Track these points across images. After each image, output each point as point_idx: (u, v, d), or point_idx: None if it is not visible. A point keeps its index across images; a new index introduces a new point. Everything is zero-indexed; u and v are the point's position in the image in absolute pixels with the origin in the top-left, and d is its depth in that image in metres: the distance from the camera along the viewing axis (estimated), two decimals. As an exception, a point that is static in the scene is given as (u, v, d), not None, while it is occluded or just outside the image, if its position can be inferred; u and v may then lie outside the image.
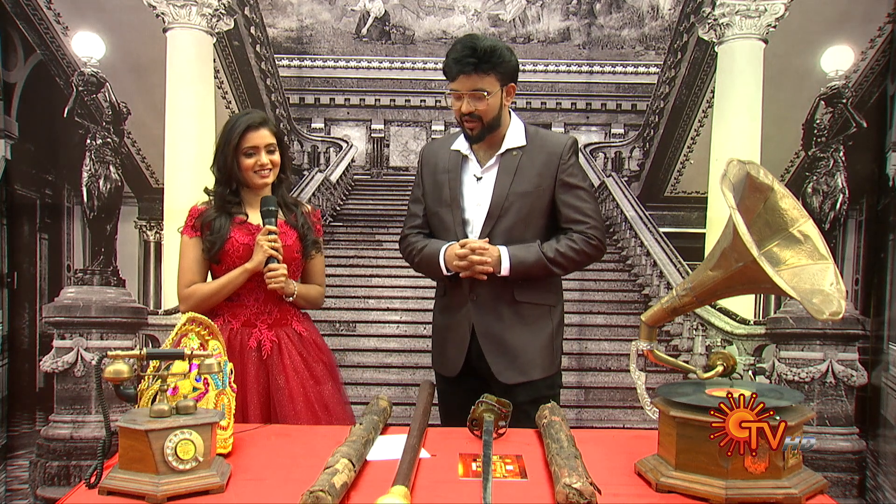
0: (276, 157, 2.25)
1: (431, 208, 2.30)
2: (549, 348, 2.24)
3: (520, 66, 2.23)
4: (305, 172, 3.55)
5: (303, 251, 2.30)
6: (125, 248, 3.49)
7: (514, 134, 2.22)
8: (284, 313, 2.28)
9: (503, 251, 2.13)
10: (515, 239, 2.18)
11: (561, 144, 2.21)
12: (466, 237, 2.21)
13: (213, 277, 2.27)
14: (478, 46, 2.10)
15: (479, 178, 2.23)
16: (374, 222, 3.56)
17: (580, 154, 2.32)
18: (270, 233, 2.18)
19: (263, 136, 2.22)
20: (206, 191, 2.31)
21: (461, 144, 2.26)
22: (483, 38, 2.16)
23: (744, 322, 3.44)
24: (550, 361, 2.25)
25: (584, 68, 3.47)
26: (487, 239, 2.15)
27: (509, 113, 2.24)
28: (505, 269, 2.14)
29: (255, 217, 2.26)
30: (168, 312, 3.45)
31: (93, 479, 1.46)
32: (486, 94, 2.10)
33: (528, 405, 1.93)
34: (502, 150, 2.21)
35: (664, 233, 3.55)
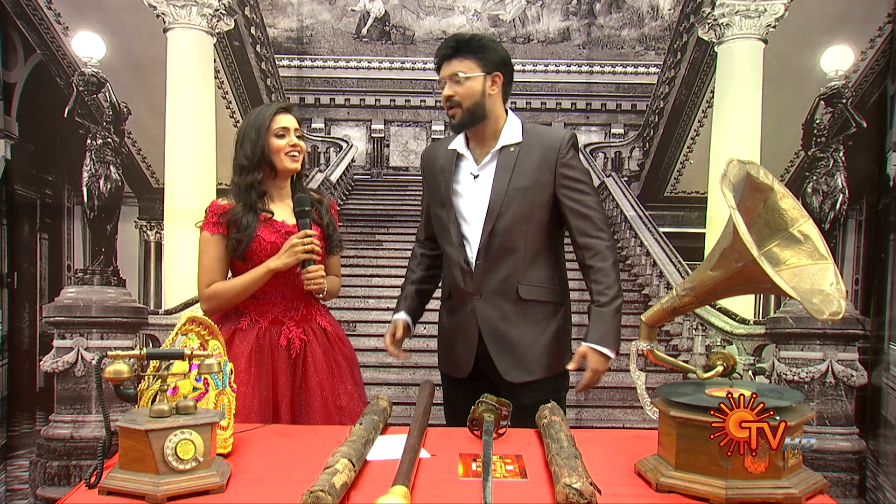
0: (303, 144, 2.26)
1: (432, 209, 2.31)
2: (555, 347, 2.23)
3: (512, 60, 2.23)
4: (306, 172, 3.55)
5: (326, 247, 2.29)
6: (125, 248, 3.49)
7: (511, 131, 2.22)
8: (310, 309, 2.28)
9: (602, 351, 2.12)
10: (517, 236, 2.17)
11: (559, 138, 2.20)
12: (463, 235, 2.21)
13: (235, 274, 2.24)
14: (459, 35, 2.19)
15: (476, 176, 2.22)
16: (375, 222, 3.56)
17: (580, 151, 2.31)
18: (307, 236, 2.16)
19: (293, 121, 2.24)
20: (233, 183, 2.25)
21: (458, 143, 2.26)
22: (469, 32, 2.21)
23: (744, 322, 3.44)
24: (558, 360, 2.23)
25: (584, 68, 3.47)
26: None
27: (506, 111, 2.24)
28: (613, 355, 2.13)
29: (279, 213, 2.24)
30: (168, 312, 3.45)
31: (93, 479, 1.46)
32: (460, 75, 2.13)
33: (534, 407, 1.93)
34: (498, 146, 2.20)
35: (664, 233, 3.55)
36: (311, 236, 2.17)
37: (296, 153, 2.23)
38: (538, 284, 2.22)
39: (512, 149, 2.19)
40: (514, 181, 2.17)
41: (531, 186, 2.17)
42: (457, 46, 2.15)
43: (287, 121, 2.22)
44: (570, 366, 2.12)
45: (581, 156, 2.30)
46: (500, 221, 2.16)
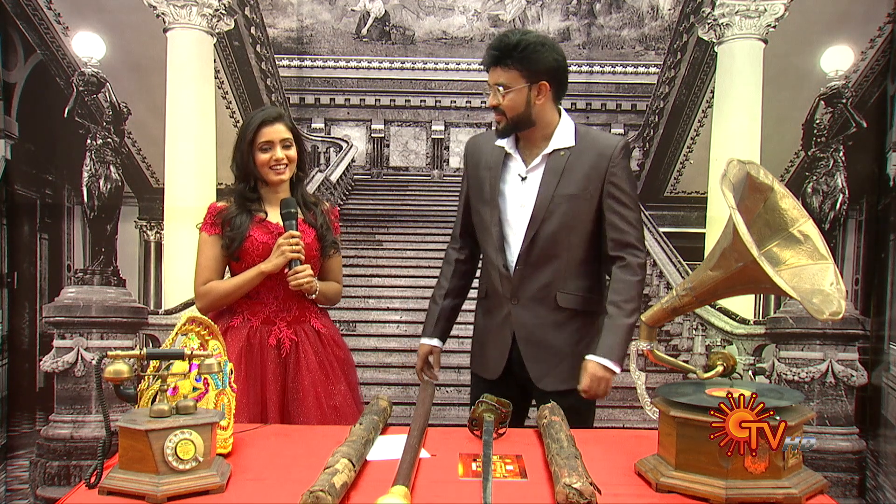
0: (293, 152, 2.25)
1: (474, 205, 2.25)
2: None
3: (564, 64, 2.11)
4: (303, 174, 3.55)
5: (321, 250, 2.30)
6: (125, 248, 3.49)
7: (563, 134, 2.14)
8: (303, 310, 2.29)
9: (602, 365, 2.04)
10: (559, 243, 2.11)
11: (612, 146, 2.11)
12: (504, 237, 2.16)
13: (232, 274, 2.28)
14: (505, 40, 2.06)
15: (523, 178, 2.15)
16: (375, 222, 3.56)
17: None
18: (293, 237, 2.18)
19: (279, 131, 2.21)
20: (228, 189, 2.33)
21: (506, 141, 2.18)
22: (522, 32, 2.09)
23: (744, 322, 3.44)
24: None
25: (584, 68, 3.47)
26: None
27: (559, 112, 2.16)
28: (617, 370, 2.06)
29: (273, 215, 2.26)
30: (168, 312, 3.45)
31: (93, 479, 1.46)
32: (502, 88, 2.05)
33: (566, 412, 1.87)
34: (549, 149, 2.12)
35: (664, 233, 3.55)
36: (296, 237, 2.18)
37: (280, 167, 2.22)
38: (577, 293, 2.16)
39: (562, 153, 2.11)
40: (562, 187, 2.10)
41: (578, 194, 2.10)
42: (499, 55, 2.04)
43: (271, 133, 2.20)
44: (581, 385, 2.05)
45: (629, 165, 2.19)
46: (543, 228, 2.11)
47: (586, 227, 2.13)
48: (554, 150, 2.13)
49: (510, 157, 2.18)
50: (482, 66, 2.14)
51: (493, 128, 2.16)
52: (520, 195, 2.15)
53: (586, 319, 2.18)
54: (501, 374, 2.22)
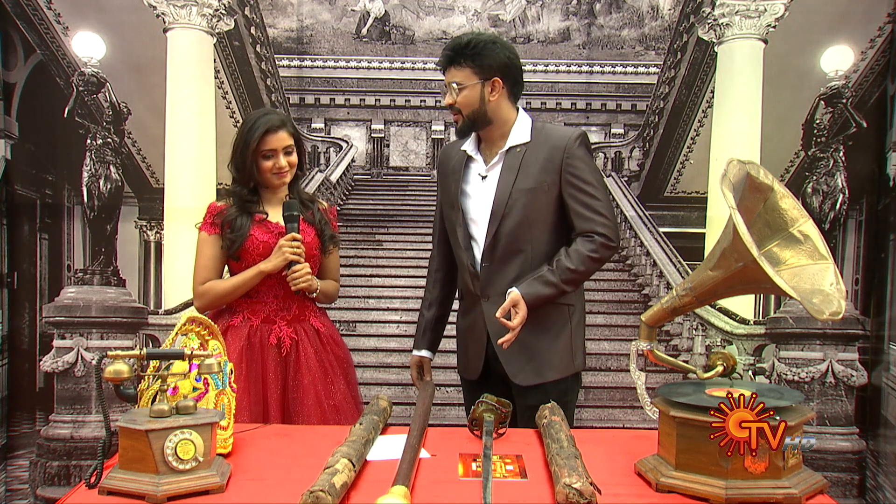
0: (294, 157, 2.27)
1: (445, 211, 2.30)
2: (566, 349, 2.19)
3: (517, 62, 2.16)
4: (303, 173, 3.55)
5: (321, 247, 2.32)
6: (125, 248, 3.49)
7: (520, 130, 2.17)
8: (303, 309, 2.30)
9: (521, 301, 2.05)
10: (522, 238, 2.14)
11: (566, 138, 2.13)
12: (470, 236, 2.20)
13: (232, 273, 2.29)
14: (458, 40, 2.14)
15: (483, 177, 2.19)
16: (375, 222, 3.57)
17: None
18: (295, 239, 2.19)
19: (282, 139, 2.22)
20: (225, 190, 2.34)
21: (468, 144, 2.24)
22: (476, 33, 2.17)
23: (744, 322, 3.44)
24: (569, 362, 2.19)
25: (584, 68, 3.47)
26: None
27: (517, 110, 2.20)
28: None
29: (274, 215, 2.28)
30: (168, 312, 3.45)
31: (93, 479, 1.47)
32: (457, 86, 2.11)
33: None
34: (506, 147, 2.16)
35: (664, 233, 3.55)
36: (298, 240, 2.20)
37: (283, 173, 2.25)
38: None
39: (518, 149, 2.15)
40: (519, 182, 2.13)
41: (536, 188, 2.12)
42: (452, 55, 2.12)
43: (275, 142, 2.21)
44: (498, 313, 2.05)
45: (591, 155, 2.21)
46: (504, 223, 2.13)
47: (548, 220, 2.15)
48: (511, 148, 2.16)
49: (472, 160, 2.23)
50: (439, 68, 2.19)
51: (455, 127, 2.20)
52: (481, 194, 2.19)
53: (559, 312, 2.18)
54: (483, 374, 2.24)
